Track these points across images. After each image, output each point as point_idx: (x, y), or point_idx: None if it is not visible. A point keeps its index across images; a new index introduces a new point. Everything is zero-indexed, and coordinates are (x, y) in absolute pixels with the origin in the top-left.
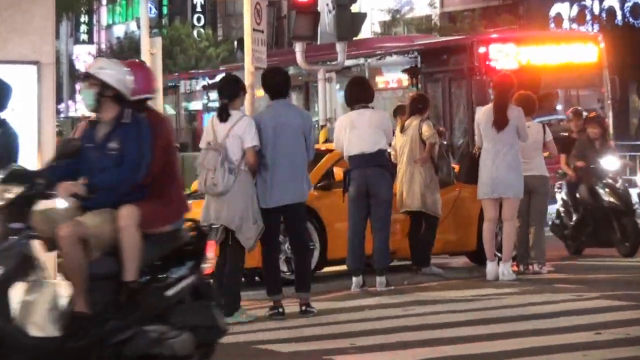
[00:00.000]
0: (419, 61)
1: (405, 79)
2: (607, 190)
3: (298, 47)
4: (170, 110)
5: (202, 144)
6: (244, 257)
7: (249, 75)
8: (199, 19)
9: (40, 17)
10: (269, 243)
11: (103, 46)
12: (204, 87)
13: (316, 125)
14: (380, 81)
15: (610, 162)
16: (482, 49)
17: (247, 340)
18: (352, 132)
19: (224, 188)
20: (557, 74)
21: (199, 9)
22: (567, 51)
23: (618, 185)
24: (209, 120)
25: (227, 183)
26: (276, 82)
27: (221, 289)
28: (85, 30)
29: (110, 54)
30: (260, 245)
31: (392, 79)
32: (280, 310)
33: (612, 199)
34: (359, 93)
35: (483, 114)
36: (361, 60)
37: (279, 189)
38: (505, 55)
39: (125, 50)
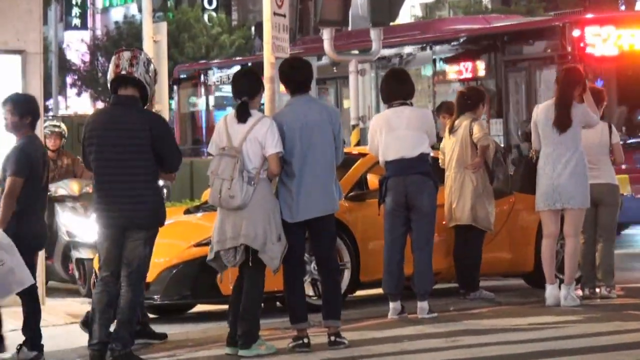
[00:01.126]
0: (500, 47)
1: (482, 68)
2: None
3: (326, 34)
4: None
5: (212, 149)
6: (264, 280)
7: (268, 67)
8: (210, 1)
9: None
10: (293, 263)
11: (98, 32)
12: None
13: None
14: (451, 71)
15: None
16: (576, 32)
17: None
18: (389, 134)
19: (242, 201)
20: None
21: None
22: None
23: None
24: (221, 121)
25: (246, 195)
26: (297, 74)
27: (237, 318)
28: (78, 14)
29: (107, 42)
30: (283, 266)
31: (467, 67)
32: (306, 341)
33: None
34: (397, 87)
35: (541, 111)
36: (427, 47)
37: (307, 199)
38: (604, 40)
39: (125, 37)
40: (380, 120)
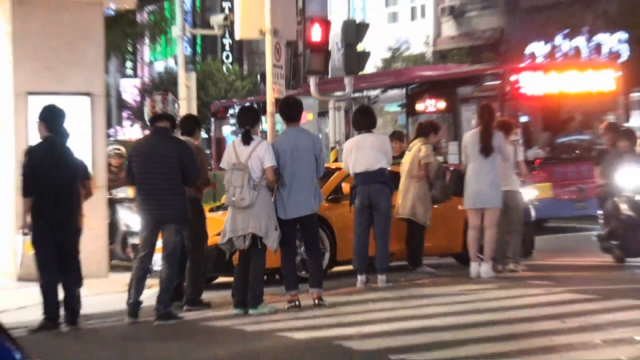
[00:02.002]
0: (455, 88)
1: (443, 104)
2: (626, 203)
3: (312, 81)
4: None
5: (224, 165)
6: (265, 258)
7: (270, 105)
8: (227, 57)
9: (93, 54)
10: (288, 247)
11: (146, 80)
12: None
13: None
14: (419, 107)
15: (628, 175)
16: (513, 77)
17: (269, 328)
18: (358, 153)
19: (249, 202)
20: (580, 98)
21: (227, 48)
22: (587, 78)
23: (637, 198)
24: (230, 144)
25: (252, 197)
26: (290, 111)
27: (246, 286)
28: (131, 66)
29: (152, 87)
30: (280, 249)
31: (431, 104)
32: (297, 303)
33: (631, 213)
34: (363, 120)
35: (469, 137)
36: (402, 89)
37: (295, 203)
38: (533, 83)
39: (165, 83)
40: (351, 143)
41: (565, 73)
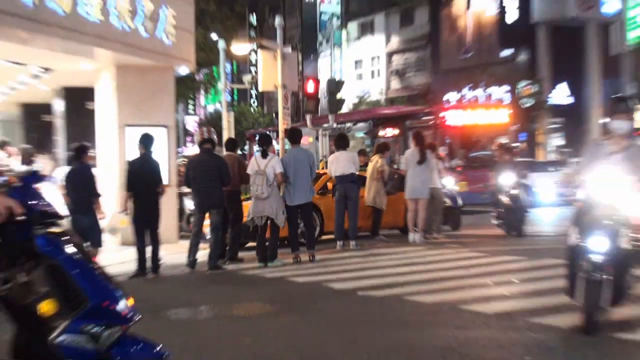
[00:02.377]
0: (403, 121)
1: (397, 131)
2: (506, 196)
3: (308, 117)
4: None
5: (250, 171)
6: (278, 231)
7: (281, 132)
8: (254, 102)
9: (167, 100)
10: (292, 223)
11: (202, 117)
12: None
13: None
14: (380, 134)
15: (508, 177)
16: (442, 113)
17: (280, 275)
18: (337, 163)
19: (267, 195)
20: (484, 128)
21: (254, 96)
22: (489, 114)
23: (512, 192)
24: (253, 158)
25: (268, 192)
26: (293, 136)
27: (265, 248)
28: (192, 108)
29: (205, 122)
30: (287, 224)
31: (387, 132)
32: (299, 259)
33: (509, 202)
34: (340, 142)
35: (410, 153)
36: (368, 122)
37: (297, 195)
38: (455, 117)
39: (214, 119)
40: (333, 157)
41: (475, 111)
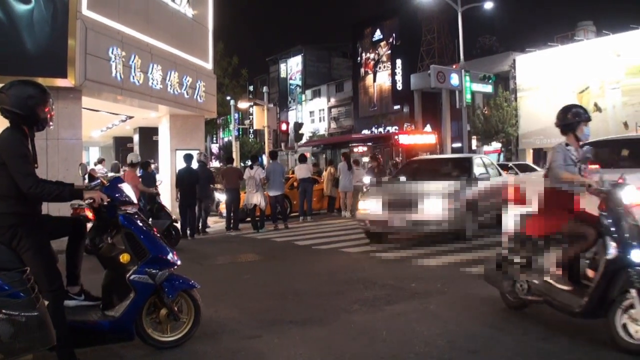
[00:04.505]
0: (372, 142)
1: (365, 148)
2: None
3: (282, 145)
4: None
5: (245, 176)
6: (264, 212)
7: (267, 153)
8: (252, 135)
9: (199, 134)
10: (273, 206)
11: (220, 144)
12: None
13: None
14: (358, 150)
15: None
16: (398, 137)
17: (267, 237)
18: (300, 171)
19: (255, 191)
20: (421, 146)
21: (251, 132)
22: (424, 138)
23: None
24: (247, 168)
25: (257, 189)
26: (272, 155)
27: (256, 222)
28: (214, 139)
29: (223, 149)
30: (270, 207)
31: (360, 149)
32: (277, 227)
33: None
34: (301, 158)
35: (342, 165)
36: (345, 143)
37: (274, 190)
38: (402, 139)
39: (228, 147)
40: (297, 167)
41: (415, 135)
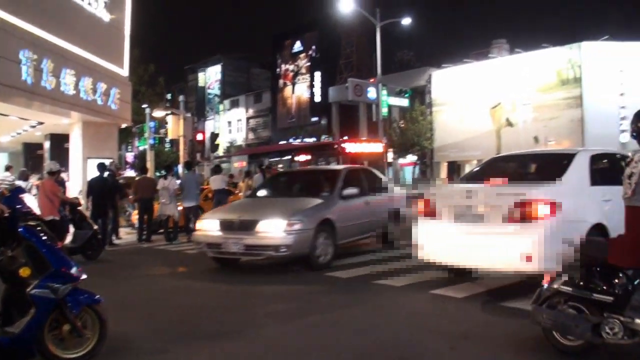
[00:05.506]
0: (315, 149)
1: (309, 157)
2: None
3: (198, 155)
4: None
5: (159, 187)
6: (178, 223)
7: (183, 163)
8: (169, 145)
9: (113, 143)
10: (186, 218)
11: (136, 153)
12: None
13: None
14: (299, 159)
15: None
16: (343, 145)
17: (179, 249)
18: (214, 182)
19: (169, 202)
20: (367, 155)
21: (168, 142)
22: (370, 146)
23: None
24: (161, 179)
25: (170, 200)
26: (188, 165)
27: (169, 233)
28: (130, 147)
29: (138, 158)
30: (183, 217)
31: (304, 157)
32: (192, 239)
33: None
34: (215, 170)
35: (258, 177)
36: (290, 153)
37: (188, 201)
38: (349, 147)
39: (143, 155)
40: (212, 178)
41: (362, 144)
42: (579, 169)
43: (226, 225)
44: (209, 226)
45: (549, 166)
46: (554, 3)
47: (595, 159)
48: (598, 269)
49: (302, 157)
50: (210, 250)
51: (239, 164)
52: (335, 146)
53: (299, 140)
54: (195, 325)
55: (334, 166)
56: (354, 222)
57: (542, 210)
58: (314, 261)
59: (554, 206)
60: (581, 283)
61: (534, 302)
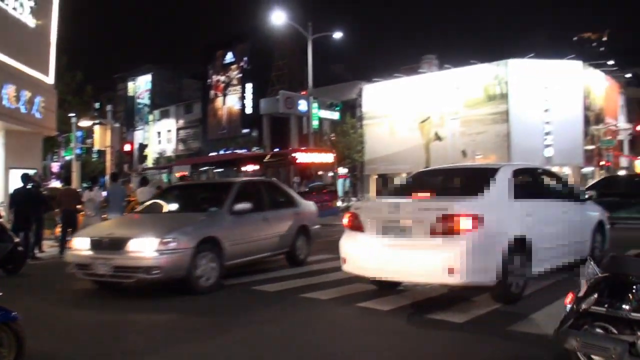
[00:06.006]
0: (266, 159)
1: (257, 167)
2: None
3: (125, 166)
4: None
5: (85, 199)
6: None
7: (110, 174)
8: (95, 155)
9: (37, 152)
10: None
11: (62, 163)
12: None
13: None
14: (246, 169)
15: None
16: (294, 154)
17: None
18: (142, 194)
19: (94, 215)
20: (318, 165)
21: (95, 152)
22: (321, 156)
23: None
24: (87, 190)
25: (95, 212)
26: (114, 177)
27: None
28: (55, 157)
29: (64, 168)
30: None
31: (250, 167)
32: None
33: None
34: (143, 181)
35: (141, 192)
36: (236, 161)
37: (113, 213)
38: (302, 157)
39: (68, 166)
40: (139, 190)
41: (313, 153)
42: (501, 183)
43: (95, 244)
44: (79, 244)
45: (473, 180)
46: (482, 22)
47: (518, 173)
48: (628, 286)
49: (249, 167)
50: (80, 272)
51: (179, 174)
52: (286, 156)
53: (229, 152)
54: (118, 342)
55: (230, 179)
56: (250, 241)
57: (465, 223)
58: (193, 283)
59: (476, 220)
60: (606, 302)
61: (562, 325)
